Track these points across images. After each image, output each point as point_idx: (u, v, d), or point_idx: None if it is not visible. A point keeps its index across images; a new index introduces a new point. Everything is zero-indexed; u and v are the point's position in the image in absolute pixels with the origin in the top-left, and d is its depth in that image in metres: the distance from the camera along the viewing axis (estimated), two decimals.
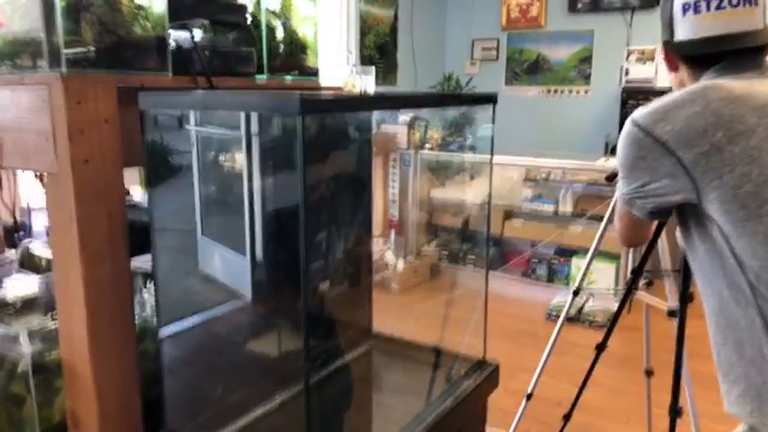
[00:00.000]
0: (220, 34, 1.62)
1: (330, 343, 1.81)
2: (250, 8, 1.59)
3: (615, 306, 2.21)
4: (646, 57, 5.11)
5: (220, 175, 1.68)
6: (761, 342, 1.07)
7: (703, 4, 1.13)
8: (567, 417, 2.47)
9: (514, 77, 6.23)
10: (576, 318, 4.10)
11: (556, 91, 6.04)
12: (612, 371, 3.38)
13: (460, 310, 4.71)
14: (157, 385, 1.36)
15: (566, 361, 3.54)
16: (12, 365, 1.30)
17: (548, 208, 4.81)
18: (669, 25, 1.20)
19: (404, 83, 5.89)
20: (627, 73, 5.20)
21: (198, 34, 1.47)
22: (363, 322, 1.94)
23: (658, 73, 5.04)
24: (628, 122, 1.15)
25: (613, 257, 4.33)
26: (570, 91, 5.96)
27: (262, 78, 1.61)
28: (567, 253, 4.68)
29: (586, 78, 5.86)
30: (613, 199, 2.52)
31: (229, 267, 1.66)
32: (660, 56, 4.98)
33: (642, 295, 2.24)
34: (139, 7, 1.28)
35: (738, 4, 1.11)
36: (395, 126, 4.93)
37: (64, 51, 1.14)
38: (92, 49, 1.19)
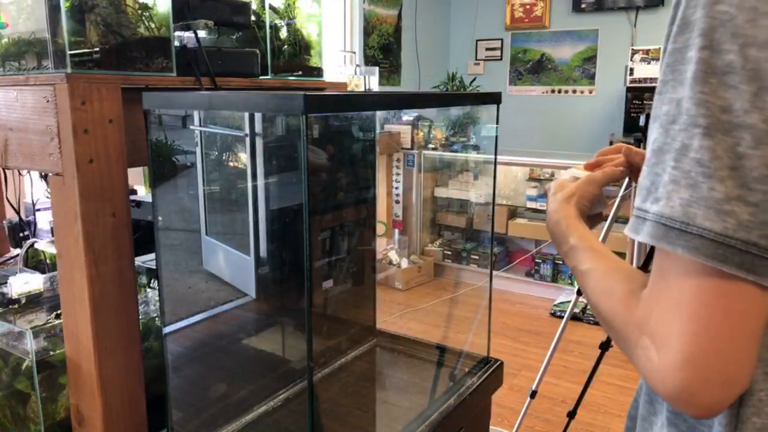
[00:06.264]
0: (225, 35, 1.62)
1: (334, 340, 1.81)
2: (254, 8, 1.60)
3: None
4: (650, 57, 5.10)
5: (224, 175, 1.69)
6: None
7: None
8: (571, 414, 2.47)
9: (518, 77, 6.23)
10: (580, 317, 4.10)
11: (560, 90, 6.03)
12: (616, 369, 3.38)
13: (464, 309, 4.75)
14: (161, 382, 1.37)
15: (570, 359, 3.55)
16: (17, 362, 1.32)
17: None
18: None
19: (408, 83, 5.90)
20: (632, 73, 5.19)
21: (202, 34, 1.48)
22: (367, 319, 1.95)
23: None
24: None
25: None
26: (574, 91, 5.96)
27: (266, 78, 1.62)
28: None
29: (591, 78, 5.86)
30: (617, 199, 2.51)
31: (233, 266, 1.66)
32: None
33: None
34: (144, 8, 1.28)
35: None
36: (399, 126, 4.94)
37: (69, 51, 1.15)
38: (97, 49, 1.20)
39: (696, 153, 0.53)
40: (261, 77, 1.59)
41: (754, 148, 0.51)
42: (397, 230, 5.11)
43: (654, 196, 0.57)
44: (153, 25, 1.29)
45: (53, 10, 1.17)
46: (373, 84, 4.70)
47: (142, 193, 1.89)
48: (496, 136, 1.69)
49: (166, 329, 1.38)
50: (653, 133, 0.58)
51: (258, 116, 1.55)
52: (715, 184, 0.52)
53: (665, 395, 0.57)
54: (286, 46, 1.71)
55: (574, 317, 4.00)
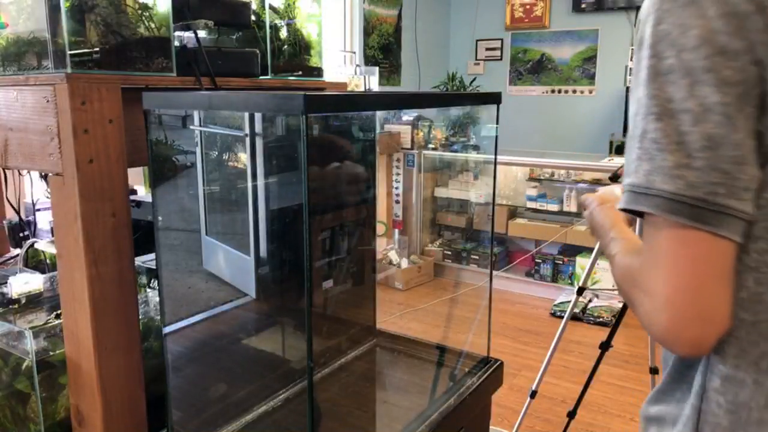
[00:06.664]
0: (225, 35, 1.62)
1: (334, 340, 1.81)
2: (254, 8, 1.60)
3: (619, 304, 2.21)
4: None
5: (225, 175, 1.69)
6: None
7: None
8: (571, 414, 2.47)
9: (518, 77, 6.23)
10: (580, 317, 4.10)
11: (560, 90, 6.03)
12: (616, 369, 3.38)
13: (464, 309, 4.75)
14: (161, 382, 1.37)
15: (570, 359, 3.55)
16: (17, 362, 1.32)
17: (552, 207, 4.80)
18: None
19: (408, 83, 5.90)
20: (632, 73, 5.19)
21: (202, 34, 1.48)
22: (367, 319, 1.95)
23: None
24: None
25: None
26: (574, 91, 5.95)
27: (266, 78, 1.62)
28: (571, 252, 4.68)
29: (591, 78, 5.86)
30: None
31: (233, 266, 1.66)
32: None
33: None
34: (144, 8, 1.28)
35: None
36: (399, 126, 4.94)
37: (69, 51, 1.15)
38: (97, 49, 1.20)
39: (652, 134, 0.68)
40: (261, 77, 1.59)
41: (693, 126, 0.65)
42: (397, 230, 5.11)
43: (628, 172, 0.71)
44: (153, 25, 1.29)
45: (53, 10, 1.17)
46: (373, 84, 4.69)
47: (142, 193, 1.89)
48: (496, 136, 1.69)
49: (166, 329, 1.38)
50: (629, 129, 0.73)
51: (258, 116, 1.55)
52: (666, 155, 0.66)
53: (657, 337, 0.69)
54: (286, 46, 1.71)
55: (574, 317, 4.00)
